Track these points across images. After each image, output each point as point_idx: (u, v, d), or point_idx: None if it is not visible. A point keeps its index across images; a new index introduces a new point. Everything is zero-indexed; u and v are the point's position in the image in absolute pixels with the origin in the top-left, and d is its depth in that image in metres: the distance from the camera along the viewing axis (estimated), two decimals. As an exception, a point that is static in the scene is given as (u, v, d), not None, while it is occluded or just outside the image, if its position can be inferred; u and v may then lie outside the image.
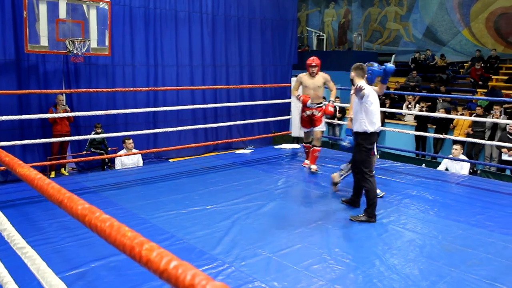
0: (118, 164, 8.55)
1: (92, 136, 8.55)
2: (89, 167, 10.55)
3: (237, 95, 13.01)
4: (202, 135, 12.29)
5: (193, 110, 11.88)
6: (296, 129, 8.01)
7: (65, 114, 8.16)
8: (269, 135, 11.37)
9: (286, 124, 12.58)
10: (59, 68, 10.01)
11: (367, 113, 4.57)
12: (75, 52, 8.83)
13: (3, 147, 7.46)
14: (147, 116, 11.28)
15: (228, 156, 8.08)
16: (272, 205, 5.10)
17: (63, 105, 9.64)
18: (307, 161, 6.92)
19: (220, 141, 10.39)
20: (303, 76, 6.71)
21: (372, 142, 4.69)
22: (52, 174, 9.74)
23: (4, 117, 5.81)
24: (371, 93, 4.62)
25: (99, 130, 9.84)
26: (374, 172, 4.83)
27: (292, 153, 8.18)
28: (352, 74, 4.82)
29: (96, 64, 10.47)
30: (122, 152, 8.41)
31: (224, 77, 12.91)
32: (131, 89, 9.46)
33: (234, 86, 11.28)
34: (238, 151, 8.56)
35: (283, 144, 8.83)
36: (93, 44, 9.31)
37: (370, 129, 4.60)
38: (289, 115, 9.25)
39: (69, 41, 8.82)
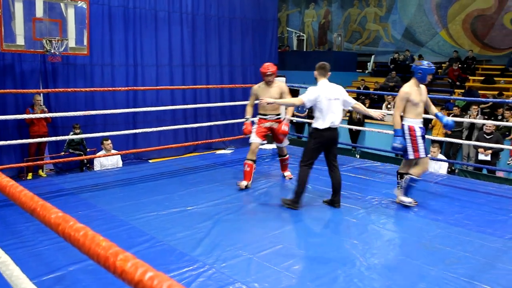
0: (97, 165, 8.45)
1: (70, 136, 8.43)
2: (68, 169, 10.41)
3: (217, 95, 12.98)
4: (182, 135, 12.23)
5: (173, 110, 11.80)
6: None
7: (42, 115, 8.03)
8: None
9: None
10: (36, 67, 9.85)
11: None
12: (52, 51, 8.70)
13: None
14: (126, 116, 11.16)
15: (208, 157, 8.03)
16: (253, 206, 5.09)
17: (41, 106, 9.49)
18: (244, 182, 5.77)
19: (200, 142, 10.36)
20: (258, 88, 5.98)
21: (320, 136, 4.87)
22: (30, 176, 9.58)
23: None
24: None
25: (78, 131, 9.72)
26: (311, 164, 5.00)
27: (273, 153, 8.16)
28: (315, 73, 4.96)
29: (74, 63, 10.34)
30: (101, 153, 8.30)
31: (204, 77, 12.87)
32: (110, 89, 9.33)
33: (214, 86, 11.25)
34: (218, 152, 8.52)
35: (265, 144, 8.81)
36: (71, 43, 9.19)
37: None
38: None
39: (46, 40, 8.69)
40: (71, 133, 9.74)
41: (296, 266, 3.59)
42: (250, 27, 13.97)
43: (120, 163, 8.60)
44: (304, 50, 19.73)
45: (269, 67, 5.87)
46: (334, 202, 5.07)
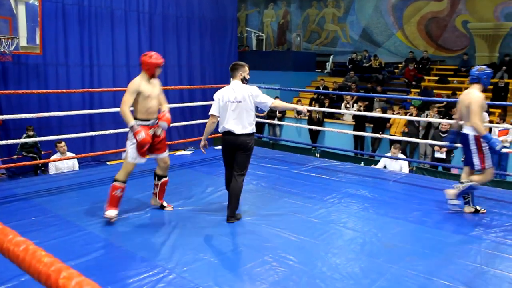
0: (52, 169, 8.16)
1: (23, 140, 8.11)
2: (21, 172, 10.04)
3: (176, 96, 12.81)
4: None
5: (132, 111, 11.58)
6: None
7: (-8, 117, 7.71)
8: (209, 136, 11.26)
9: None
10: (-15, 67, 9.46)
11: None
12: (2, 50, 8.37)
13: None
14: (83, 118, 10.87)
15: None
16: (213, 208, 5.01)
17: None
18: (112, 211, 4.52)
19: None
20: (141, 83, 4.59)
21: (222, 141, 4.69)
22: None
23: None
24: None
25: (31, 133, 9.37)
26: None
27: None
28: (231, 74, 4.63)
29: (26, 63, 9.97)
30: (56, 156, 8.02)
31: (162, 78, 12.66)
32: (65, 90, 9.07)
33: (172, 87, 11.08)
34: (178, 153, 8.40)
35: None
36: (23, 42, 8.87)
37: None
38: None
39: (-5, 39, 8.36)
40: (24, 135, 9.39)
41: (257, 268, 3.54)
42: (209, 27, 13.87)
43: (77, 166, 8.34)
44: (264, 50, 19.76)
45: (157, 56, 4.71)
46: (227, 216, 4.56)
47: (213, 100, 4.68)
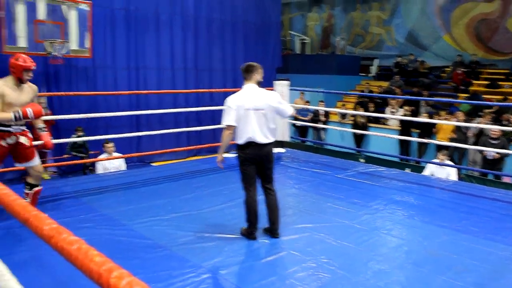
0: (99, 168, 8.37)
1: (73, 140, 8.37)
2: (70, 171, 10.37)
3: (220, 99, 12.90)
4: (185, 138, 12.17)
5: (176, 114, 11.77)
6: (280, 133, 7.94)
7: (45, 117, 7.98)
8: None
9: (269, 128, 12.51)
10: (38, 70, 9.79)
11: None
12: (54, 53, 8.69)
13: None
14: (129, 119, 11.15)
15: (212, 160, 7.94)
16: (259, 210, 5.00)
17: (44, 108, 9.46)
18: None
19: (204, 145, 10.27)
20: (6, 86, 4.24)
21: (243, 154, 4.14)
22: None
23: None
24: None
25: (80, 133, 9.67)
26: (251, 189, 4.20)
27: (277, 157, 8.09)
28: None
29: (76, 66, 10.32)
30: (103, 156, 8.24)
31: (207, 80, 12.84)
32: (112, 92, 9.32)
33: (217, 90, 11.20)
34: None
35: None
36: (73, 46, 9.17)
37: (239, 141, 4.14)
38: (273, 118, 9.18)
39: (48, 43, 8.67)
40: (74, 135, 9.70)
41: (300, 273, 3.51)
42: (253, 30, 13.94)
43: (123, 166, 8.53)
44: (307, 53, 19.67)
45: (30, 60, 4.36)
46: (271, 231, 4.27)
47: None
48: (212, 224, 4.55)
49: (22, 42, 8.48)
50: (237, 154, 4.17)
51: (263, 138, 4.07)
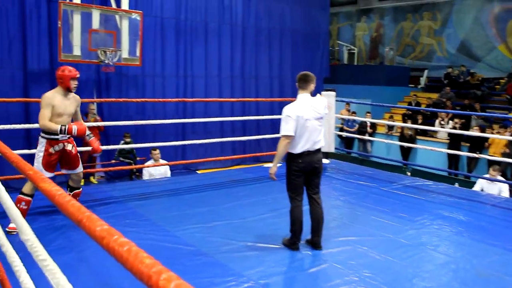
0: (145, 175, 8.59)
1: (121, 146, 8.61)
2: (118, 176, 10.67)
3: (266, 108, 12.98)
4: (230, 147, 12.28)
5: (222, 122, 11.91)
6: (326, 144, 7.90)
7: (95, 123, 8.26)
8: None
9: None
10: (90, 77, 10.19)
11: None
12: (106, 61, 8.99)
13: (33, 155, 7.59)
14: (176, 127, 11.37)
15: (256, 170, 8.01)
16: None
17: (94, 114, 9.79)
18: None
19: (249, 155, 10.36)
20: (56, 97, 4.55)
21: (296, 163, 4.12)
22: (82, 182, 9.84)
23: (36, 125, 5.89)
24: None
25: (128, 140, 9.95)
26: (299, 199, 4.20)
27: (336, 166, 8.06)
28: (297, 85, 4.25)
29: (126, 74, 10.63)
30: (150, 162, 8.44)
31: (254, 89, 12.93)
32: (161, 99, 9.55)
33: (263, 99, 11.25)
34: (266, 165, 8.48)
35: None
36: (124, 54, 9.45)
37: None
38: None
39: (101, 51, 8.99)
40: (122, 141, 9.99)
41: (342, 287, 3.48)
42: (300, 40, 13.96)
43: (169, 173, 8.71)
44: (355, 64, 19.52)
45: (74, 69, 4.66)
46: (314, 243, 4.25)
47: None
48: (254, 233, 4.57)
49: (77, 50, 8.84)
50: (287, 164, 4.16)
51: (316, 145, 4.12)
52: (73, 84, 4.59)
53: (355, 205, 5.70)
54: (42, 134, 4.58)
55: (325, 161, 8.40)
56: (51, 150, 4.59)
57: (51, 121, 4.47)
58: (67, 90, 4.58)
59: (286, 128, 4.02)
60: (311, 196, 4.25)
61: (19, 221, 2.02)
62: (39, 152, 4.58)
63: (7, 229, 4.22)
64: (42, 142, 4.58)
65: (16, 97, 8.45)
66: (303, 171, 4.12)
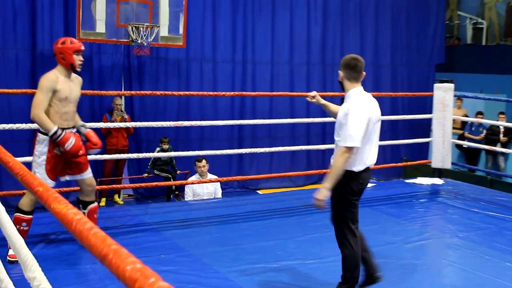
0: (188, 194, 8.69)
1: (157, 154, 8.73)
2: (151, 195, 10.86)
3: (355, 106, 12.84)
4: (304, 159, 12.22)
5: (293, 125, 11.87)
6: (439, 157, 7.73)
7: (122, 124, 8.43)
8: (399, 164, 11.10)
9: (423, 150, 12.21)
10: (118, 62, 10.43)
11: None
12: (139, 41, 9.10)
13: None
14: (230, 130, 11.40)
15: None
16: (399, 264, 4.92)
17: (121, 112, 9.99)
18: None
19: (329, 170, 10.26)
20: (60, 78, 4.70)
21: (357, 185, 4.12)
22: (103, 202, 10.11)
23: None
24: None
25: (166, 147, 10.09)
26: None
27: (432, 190, 7.89)
28: (340, 74, 4.32)
29: (166, 58, 10.78)
30: (194, 178, 8.55)
31: (331, 79, 12.79)
32: (211, 93, 9.56)
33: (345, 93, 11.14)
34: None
35: (419, 178, 8.55)
36: (163, 31, 9.57)
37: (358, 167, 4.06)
38: (428, 136, 8.96)
39: (132, 27, 9.11)
40: (158, 149, 10.15)
41: None
42: (404, 13, 13.74)
43: (219, 193, 8.78)
44: (484, 43, 18.98)
45: (77, 40, 4.89)
46: (374, 277, 4.29)
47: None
48: (336, 280, 4.53)
49: (100, 26, 9.05)
50: (342, 186, 4.02)
51: (375, 158, 4.17)
52: (78, 60, 4.72)
53: (481, 246, 5.53)
54: (43, 130, 4.66)
55: (436, 181, 8.24)
56: (56, 150, 4.69)
57: (53, 111, 4.59)
58: (71, 68, 4.73)
59: (356, 135, 3.88)
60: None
61: (22, 253, 2.10)
62: (40, 154, 4.67)
63: (8, 258, 4.42)
64: (43, 141, 4.67)
65: (21, 86, 8.66)
66: (359, 194, 4.17)
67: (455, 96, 8.08)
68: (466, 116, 12.62)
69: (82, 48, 4.77)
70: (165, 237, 5.49)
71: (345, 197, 4.09)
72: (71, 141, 4.57)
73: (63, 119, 4.67)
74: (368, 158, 4.05)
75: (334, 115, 4.45)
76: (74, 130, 4.84)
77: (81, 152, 4.77)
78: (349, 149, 3.85)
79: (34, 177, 2.06)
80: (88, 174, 4.95)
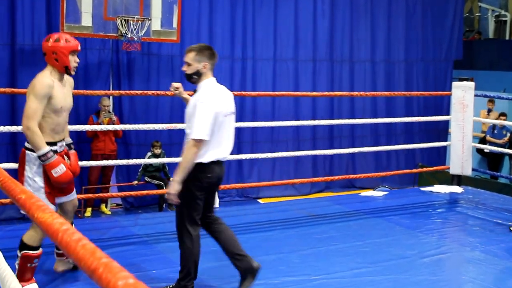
0: (182, 203, 8.72)
1: (148, 160, 8.73)
2: (141, 205, 10.86)
3: (365, 107, 12.86)
4: (309, 165, 12.23)
5: (297, 128, 11.88)
6: (458, 163, 7.74)
7: (110, 127, 8.45)
8: (414, 170, 11.12)
9: (440, 155, 12.21)
10: (105, 58, 10.45)
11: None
12: (129, 36, 9.11)
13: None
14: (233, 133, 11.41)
15: (348, 200, 7.96)
16: (413, 281, 4.92)
17: (109, 113, 9.99)
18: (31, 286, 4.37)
19: (336, 177, 10.27)
20: (55, 83, 4.36)
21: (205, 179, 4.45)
22: (88, 212, 10.13)
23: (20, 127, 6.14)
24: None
25: (158, 151, 10.12)
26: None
27: (450, 200, 7.90)
28: (194, 65, 4.43)
29: (158, 54, 10.80)
30: (189, 185, 8.57)
31: (347, 79, 12.81)
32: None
33: (361, 93, 11.14)
34: (364, 193, 8.41)
35: (436, 186, 8.57)
36: (155, 25, 9.58)
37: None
38: (445, 140, 8.97)
39: (121, 20, 9.13)
40: (149, 154, 10.17)
41: None
42: (419, 3, 13.75)
43: (217, 202, 8.78)
44: (507, 38, 19.01)
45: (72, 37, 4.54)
46: (252, 270, 4.57)
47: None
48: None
49: (86, 19, 9.04)
50: (190, 178, 4.31)
51: (228, 152, 4.61)
52: (74, 61, 4.42)
53: (504, 260, 5.54)
54: (30, 146, 4.31)
55: (456, 189, 8.24)
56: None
57: (43, 123, 4.26)
58: (65, 71, 4.44)
59: (203, 129, 4.24)
60: (209, 216, 4.70)
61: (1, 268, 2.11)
62: (34, 175, 4.33)
63: None
64: (35, 160, 4.30)
65: (-1, 86, 8.71)
66: (209, 190, 4.53)
67: (477, 95, 8.09)
68: (504, 118, 12.60)
69: (79, 47, 4.47)
70: (157, 250, 5.50)
71: (191, 191, 4.37)
72: (60, 169, 4.26)
73: (54, 132, 4.38)
74: (218, 151, 4.41)
75: None
76: (64, 144, 4.58)
77: (66, 185, 4.44)
78: (197, 141, 4.23)
79: (15, 183, 2.06)
80: (74, 194, 4.72)
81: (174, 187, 4.24)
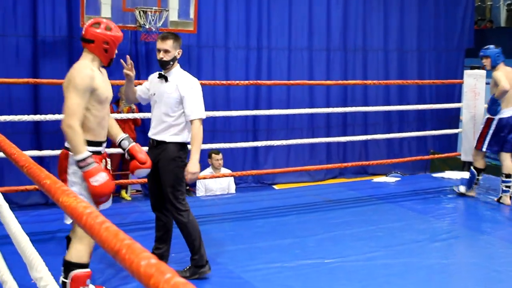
0: (200, 189, 8.71)
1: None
2: (160, 191, 10.89)
3: (378, 95, 12.81)
4: (323, 152, 12.21)
5: (311, 116, 11.86)
6: (469, 150, 7.71)
7: (130, 115, 8.47)
8: (426, 157, 11.07)
9: (452, 142, 12.14)
10: (124, 48, 10.44)
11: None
12: (147, 27, 9.12)
13: (45, 158, 7.91)
14: (244, 121, 11.41)
15: (362, 186, 7.96)
16: (425, 265, 4.92)
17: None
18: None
19: (350, 164, 10.26)
20: (96, 72, 3.94)
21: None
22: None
23: (48, 117, 6.17)
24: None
25: (176, 139, 10.13)
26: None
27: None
28: (169, 43, 4.81)
29: (175, 44, 10.79)
30: (207, 171, 8.57)
31: (360, 68, 12.76)
32: (223, 82, 9.58)
33: (374, 82, 11.08)
34: (377, 179, 8.41)
35: (447, 172, 8.55)
36: (173, 16, 9.57)
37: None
38: (457, 127, 8.92)
39: (139, 12, 9.13)
40: (167, 142, 10.20)
41: None
42: (431, -8, 13.66)
43: (233, 188, 8.80)
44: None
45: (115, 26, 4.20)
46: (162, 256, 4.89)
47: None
48: (358, 280, 4.55)
49: (105, 11, 9.04)
50: (176, 159, 4.68)
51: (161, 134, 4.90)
52: (109, 55, 4.06)
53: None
54: (69, 146, 3.82)
55: (467, 175, 8.20)
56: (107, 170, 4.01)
57: (90, 117, 3.85)
58: (107, 63, 4.10)
59: (202, 108, 4.87)
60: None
61: (28, 252, 2.12)
62: (78, 181, 3.81)
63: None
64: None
65: (21, 76, 8.72)
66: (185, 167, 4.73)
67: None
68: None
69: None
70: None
71: (178, 169, 4.67)
72: (102, 178, 3.72)
73: (101, 127, 3.95)
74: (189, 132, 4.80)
75: (132, 95, 5.25)
76: (104, 146, 4.06)
77: (105, 198, 3.90)
78: (201, 120, 4.76)
79: (40, 169, 2.07)
80: (110, 203, 4.12)
81: (196, 166, 4.59)
